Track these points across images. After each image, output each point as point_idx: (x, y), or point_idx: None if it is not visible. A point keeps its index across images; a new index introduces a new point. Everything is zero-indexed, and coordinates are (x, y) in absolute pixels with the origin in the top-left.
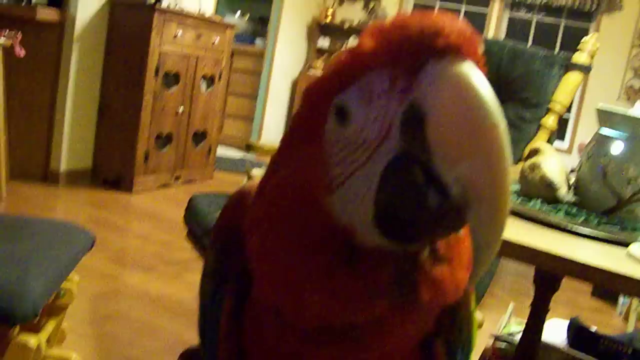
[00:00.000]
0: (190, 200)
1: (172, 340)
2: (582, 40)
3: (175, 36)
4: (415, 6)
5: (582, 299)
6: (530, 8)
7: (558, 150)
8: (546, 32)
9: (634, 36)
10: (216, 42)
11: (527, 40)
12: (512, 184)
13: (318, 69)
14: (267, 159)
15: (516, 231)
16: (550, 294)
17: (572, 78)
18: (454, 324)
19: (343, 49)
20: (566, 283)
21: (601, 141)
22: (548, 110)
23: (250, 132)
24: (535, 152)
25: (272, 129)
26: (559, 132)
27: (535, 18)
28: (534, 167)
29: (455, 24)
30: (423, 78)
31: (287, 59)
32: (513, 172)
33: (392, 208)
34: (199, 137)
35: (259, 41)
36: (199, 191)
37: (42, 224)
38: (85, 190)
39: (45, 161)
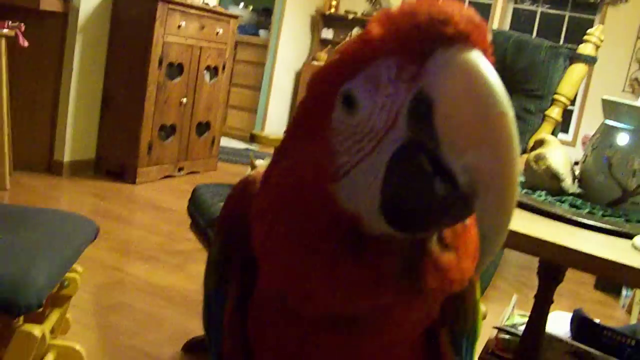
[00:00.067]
0: (194, 191)
1: (176, 331)
2: (588, 31)
3: (179, 27)
4: None
5: (585, 292)
6: None
7: (562, 142)
8: (551, 23)
9: (639, 28)
10: (220, 33)
11: (531, 32)
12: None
13: (322, 61)
14: (270, 150)
15: (521, 222)
16: (554, 285)
17: (577, 70)
18: (459, 314)
19: (347, 40)
20: (569, 275)
21: (606, 133)
22: (553, 102)
23: (253, 123)
24: (540, 143)
25: (275, 120)
26: (563, 125)
27: (540, 9)
28: (539, 158)
29: (464, 12)
30: (431, 66)
31: (291, 50)
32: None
33: (399, 197)
34: (203, 128)
35: (262, 32)
36: (203, 182)
37: (46, 215)
38: (88, 181)
39: (48, 152)
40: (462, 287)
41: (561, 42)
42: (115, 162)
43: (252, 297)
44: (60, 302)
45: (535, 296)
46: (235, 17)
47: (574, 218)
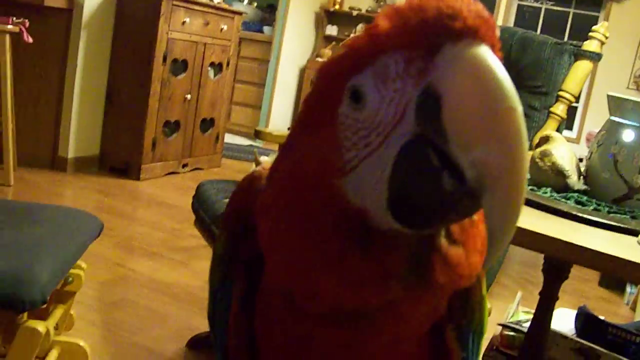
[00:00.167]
0: (199, 188)
1: (180, 327)
2: (593, 28)
3: (183, 23)
4: None
5: (589, 289)
6: None
7: (566, 139)
8: (555, 20)
9: None
10: (224, 29)
11: (536, 29)
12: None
13: (326, 57)
14: (275, 147)
15: (526, 219)
16: (559, 282)
17: (582, 66)
18: (466, 309)
19: (352, 36)
20: (573, 272)
21: (612, 129)
22: (557, 99)
23: (257, 120)
24: (545, 140)
25: (279, 116)
26: (567, 121)
27: (544, 6)
28: (545, 155)
29: (472, 7)
30: (439, 61)
31: (295, 47)
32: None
33: (406, 192)
34: (207, 124)
35: (266, 29)
36: (207, 179)
37: (50, 211)
38: (92, 177)
39: (52, 148)
40: (470, 282)
41: (565, 38)
42: (119, 159)
43: (258, 293)
44: (65, 298)
45: (540, 293)
46: (240, 13)
47: (580, 215)
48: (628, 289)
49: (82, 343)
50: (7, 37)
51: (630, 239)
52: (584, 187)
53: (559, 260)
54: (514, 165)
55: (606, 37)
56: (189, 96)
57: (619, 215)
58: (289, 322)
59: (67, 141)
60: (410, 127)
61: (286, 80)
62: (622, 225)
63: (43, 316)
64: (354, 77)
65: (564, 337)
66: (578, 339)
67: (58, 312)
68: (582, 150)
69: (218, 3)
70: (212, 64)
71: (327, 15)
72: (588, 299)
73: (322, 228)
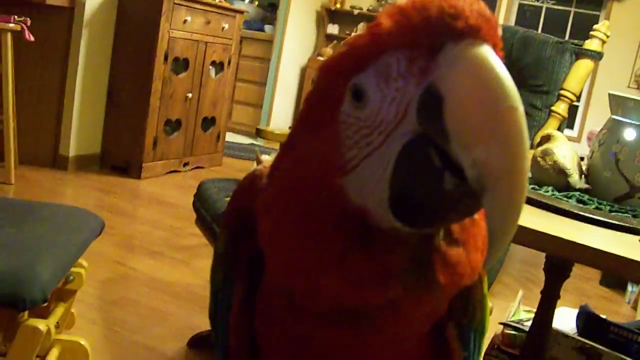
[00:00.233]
0: (200, 186)
1: (180, 326)
2: (594, 27)
3: (185, 22)
4: None
5: (590, 287)
6: None
7: (567, 138)
8: (556, 19)
9: None
10: (225, 28)
11: (537, 28)
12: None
13: (327, 56)
14: (276, 145)
15: (528, 218)
16: (561, 281)
17: (583, 65)
18: (467, 308)
19: (352, 35)
20: (574, 271)
21: (613, 128)
22: (559, 98)
23: (259, 118)
24: (546, 139)
25: (281, 115)
26: (568, 120)
27: (545, 5)
28: (546, 154)
29: (475, 6)
30: (441, 60)
31: (296, 46)
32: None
33: (408, 191)
34: (208, 123)
35: (268, 28)
36: (208, 177)
37: (51, 209)
38: (93, 176)
39: (54, 147)
40: (472, 281)
41: (566, 37)
42: (120, 157)
43: (259, 293)
44: (65, 296)
45: (542, 292)
46: (241, 12)
47: (581, 213)
48: (629, 287)
49: (82, 342)
50: (9, 36)
51: (632, 238)
52: (585, 186)
53: (561, 259)
54: (515, 165)
55: (607, 36)
56: (190, 95)
57: (620, 214)
58: (290, 321)
59: (68, 139)
60: (412, 126)
61: (287, 79)
62: (623, 224)
63: (44, 315)
64: (355, 76)
65: (565, 336)
66: (580, 338)
67: (59, 311)
68: (583, 149)
69: (219, 2)
70: (213, 63)
71: (329, 14)
72: (589, 297)
73: (323, 227)
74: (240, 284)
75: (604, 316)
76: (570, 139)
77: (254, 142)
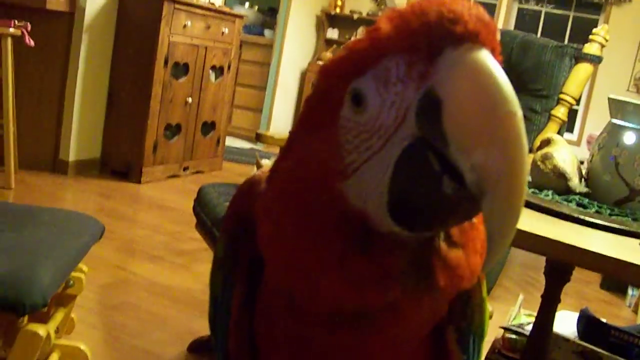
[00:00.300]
0: (200, 191)
1: (181, 331)
2: (593, 31)
3: (185, 26)
4: None
5: (590, 291)
6: None
7: (567, 141)
8: (555, 23)
9: None
10: (225, 32)
11: (536, 32)
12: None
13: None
14: (276, 150)
15: (528, 222)
16: (561, 285)
17: (583, 69)
18: (466, 312)
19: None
20: (575, 274)
21: (613, 132)
22: (558, 102)
23: (259, 123)
24: (546, 142)
25: (280, 120)
26: (568, 124)
27: (544, 9)
28: (546, 158)
29: (473, 11)
30: (440, 65)
31: (296, 50)
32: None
33: (407, 195)
34: (208, 127)
35: (267, 32)
36: (208, 182)
37: (51, 214)
38: (93, 180)
39: (54, 151)
40: (471, 284)
41: (566, 41)
42: (120, 162)
43: (258, 295)
44: (65, 301)
45: (543, 295)
46: (241, 16)
47: (581, 217)
48: (630, 291)
49: (82, 347)
50: (9, 40)
51: (632, 241)
52: (585, 189)
53: (561, 263)
54: (514, 169)
55: (606, 40)
56: (190, 99)
57: (620, 217)
58: (290, 323)
59: (68, 144)
60: (411, 130)
61: (287, 83)
62: (623, 228)
63: (44, 319)
64: (355, 80)
65: (566, 340)
66: (580, 342)
67: (59, 316)
68: (583, 152)
69: (219, 6)
70: (213, 67)
71: (328, 19)
72: (590, 301)
73: (323, 229)
74: (240, 287)
75: (604, 320)
76: (570, 142)
77: (254, 147)
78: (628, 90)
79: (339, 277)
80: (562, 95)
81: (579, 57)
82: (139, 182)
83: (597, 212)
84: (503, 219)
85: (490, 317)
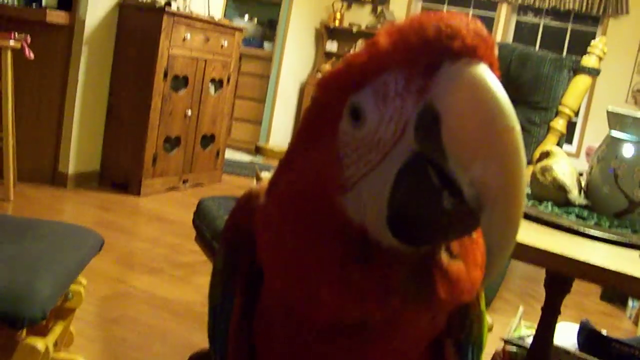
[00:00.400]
0: (199, 204)
1: (180, 344)
2: (591, 43)
3: (184, 39)
4: (423, 10)
5: (590, 302)
6: (538, 12)
7: (566, 153)
8: (553, 35)
9: None
10: (225, 45)
11: (534, 44)
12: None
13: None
14: (275, 163)
15: (528, 234)
16: (562, 296)
17: (581, 81)
18: (465, 324)
19: (351, 52)
20: (574, 286)
21: (612, 144)
22: (557, 114)
23: (258, 135)
24: (546, 155)
25: (280, 132)
26: (567, 136)
27: (542, 22)
28: (546, 170)
29: (472, 26)
30: (439, 79)
31: (296, 63)
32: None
33: (406, 210)
34: (208, 140)
35: (267, 45)
36: (207, 194)
37: (50, 226)
38: (93, 192)
39: (53, 163)
40: (471, 297)
41: (564, 53)
42: (119, 174)
43: (257, 307)
44: (64, 314)
45: (543, 307)
46: (240, 29)
47: (581, 229)
48: (630, 302)
49: None
50: (9, 53)
51: (632, 253)
52: (584, 201)
53: (561, 275)
54: (512, 184)
55: (604, 53)
56: (189, 112)
57: (620, 229)
58: (289, 333)
59: (67, 156)
60: (410, 145)
61: (287, 96)
62: (623, 240)
63: (42, 333)
64: (354, 95)
65: (566, 352)
66: (581, 354)
67: (58, 329)
68: (582, 164)
69: (219, 19)
70: (212, 80)
71: (327, 31)
72: (590, 312)
73: (323, 242)
74: (239, 299)
75: (604, 331)
76: (568, 154)
77: (254, 159)
78: (626, 101)
79: (339, 289)
80: (561, 107)
81: (578, 70)
82: (139, 194)
83: (596, 224)
84: (502, 234)
85: (490, 329)
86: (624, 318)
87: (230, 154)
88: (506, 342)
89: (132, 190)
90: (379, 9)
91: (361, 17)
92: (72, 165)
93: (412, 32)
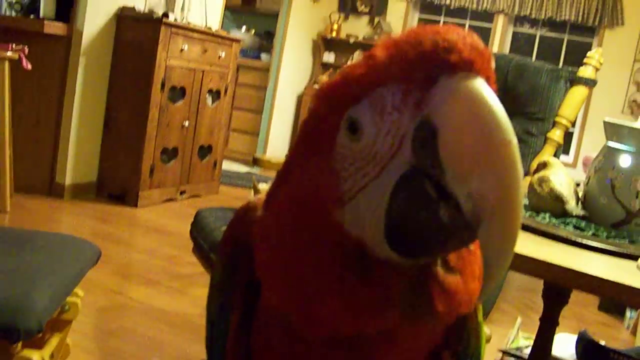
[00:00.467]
0: (197, 215)
1: (178, 356)
2: (588, 54)
3: (182, 50)
4: (420, 22)
5: (588, 313)
6: (534, 23)
7: (563, 164)
8: (550, 46)
9: (636, 50)
10: (222, 56)
11: (531, 55)
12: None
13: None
14: (273, 174)
15: (525, 245)
16: (559, 307)
17: (578, 92)
18: (462, 336)
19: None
20: (572, 297)
21: (609, 154)
22: (554, 124)
23: (255, 146)
24: (543, 165)
25: (277, 143)
26: (564, 146)
27: (539, 33)
28: (543, 181)
29: (469, 40)
30: (435, 93)
31: (293, 74)
32: (522, 186)
33: (404, 223)
34: (205, 151)
35: (264, 56)
36: (205, 206)
37: (47, 238)
38: (90, 204)
39: (50, 174)
40: (469, 309)
41: (560, 64)
42: (117, 185)
43: (255, 319)
44: (61, 326)
45: (541, 318)
46: (238, 40)
47: (578, 240)
48: (628, 313)
49: None
50: (7, 64)
51: (630, 264)
52: (582, 212)
53: (559, 286)
54: (510, 197)
55: (600, 63)
56: (186, 123)
57: (617, 240)
58: (287, 346)
59: (64, 167)
60: (407, 158)
61: (284, 107)
62: (620, 250)
63: (38, 345)
64: (351, 108)
65: None
66: None
67: (54, 341)
68: (579, 174)
69: (216, 30)
70: (210, 91)
71: (325, 43)
72: (588, 323)
73: (321, 255)
74: (236, 311)
75: (602, 342)
76: (565, 164)
77: (251, 170)
78: (622, 112)
79: (337, 302)
80: (557, 118)
81: (574, 80)
82: (136, 205)
83: (594, 234)
84: (499, 247)
85: (488, 340)
86: (622, 328)
87: (227, 165)
88: (504, 353)
89: (130, 201)
90: (376, 20)
91: (358, 28)
92: (69, 176)
93: (409, 45)
